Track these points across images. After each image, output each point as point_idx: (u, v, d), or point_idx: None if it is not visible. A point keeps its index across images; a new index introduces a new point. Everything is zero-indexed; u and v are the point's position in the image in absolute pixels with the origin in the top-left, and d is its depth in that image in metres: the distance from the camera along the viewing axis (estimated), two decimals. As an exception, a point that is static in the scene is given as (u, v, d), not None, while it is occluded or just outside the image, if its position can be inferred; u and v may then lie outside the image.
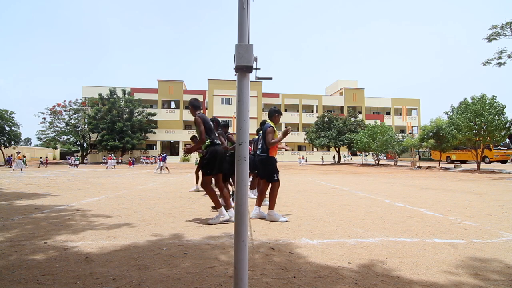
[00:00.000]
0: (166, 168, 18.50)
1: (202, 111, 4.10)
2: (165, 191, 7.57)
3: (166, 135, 43.68)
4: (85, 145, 39.41)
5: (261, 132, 5.83)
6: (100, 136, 36.43)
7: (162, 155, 18.93)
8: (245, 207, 1.56)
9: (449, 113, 17.91)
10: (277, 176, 4.13)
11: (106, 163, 31.88)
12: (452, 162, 26.79)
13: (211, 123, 4.12)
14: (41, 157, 31.52)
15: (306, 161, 38.74)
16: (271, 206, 4.08)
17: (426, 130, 20.81)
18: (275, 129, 4.18)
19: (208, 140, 3.96)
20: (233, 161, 5.46)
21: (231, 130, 40.26)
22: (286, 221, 3.91)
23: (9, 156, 30.36)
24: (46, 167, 26.31)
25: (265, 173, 4.20)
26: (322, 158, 39.79)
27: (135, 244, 2.89)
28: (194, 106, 4.05)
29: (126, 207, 5.09)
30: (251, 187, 6.34)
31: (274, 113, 4.29)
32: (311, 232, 3.39)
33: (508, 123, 14.91)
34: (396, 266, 2.32)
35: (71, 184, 9.18)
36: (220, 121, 5.59)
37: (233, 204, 3.86)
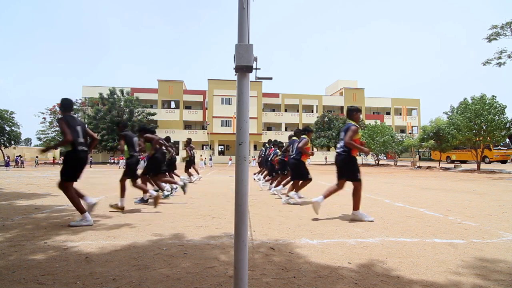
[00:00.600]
0: None
1: (73, 112, 3.87)
2: (165, 191, 7.57)
3: (166, 135, 43.64)
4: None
5: (293, 138, 6.14)
6: (100, 136, 36.44)
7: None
8: (245, 207, 1.56)
9: (448, 113, 17.92)
10: (360, 176, 4.03)
11: (115, 163, 31.73)
12: (452, 162, 26.79)
13: (78, 127, 3.76)
14: (18, 156, 29.20)
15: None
16: (356, 207, 3.97)
17: (426, 130, 20.84)
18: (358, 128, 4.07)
19: (70, 145, 3.64)
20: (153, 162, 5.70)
21: (232, 130, 40.31)
22: (372, 221, 3.86)
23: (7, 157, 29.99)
24: (22, 167, 25.64)
25: (348, 173, 4.07)
26: (326, 158, 39.69)
27: (135, 244, 2.89)
28: (62, 105, 3.76)
29: (126, 207, 5.09)
30: (277, 185, 6.66)
31: (353, 111, 4.19)
32: (311, 232, 3.39)
33: (508, 123, 14.93)
34: (396, 266, 2.32)
35: (71, 184, 9.16)
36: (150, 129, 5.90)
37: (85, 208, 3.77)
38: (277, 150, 7.52)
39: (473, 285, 1.98)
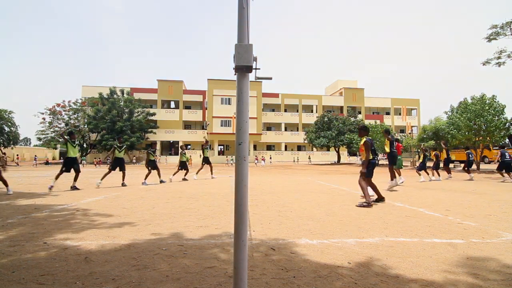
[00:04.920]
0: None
1: None
2: (165, 191, 7.57)
3: (166, 135, 43.67)
4: (84, 145, 39.42)
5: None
6: (100, 136, 36.46)
7: None
8: (245, 207, 1.56)
9: (448, 113, 17.97)
10: None
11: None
12: (452, 162, 26.81)
13: None
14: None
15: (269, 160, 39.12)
16: None
17: (426, 130, 20.88)
18: None
19: None
20: None
21: (231, 129, 40.31)
22: None
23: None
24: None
25: None
26: (310, 158, 41.52)
27: (134, 244, 2.89)
28: None
29: (126, 207, 5.09)
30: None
31: None
32: (311, 232, 3.39)
33: (507, 123, 14.96)
34: (395, 265, 2.32)
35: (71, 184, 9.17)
36: None
37: None
38: None
39: (472, 284, 1.98)
